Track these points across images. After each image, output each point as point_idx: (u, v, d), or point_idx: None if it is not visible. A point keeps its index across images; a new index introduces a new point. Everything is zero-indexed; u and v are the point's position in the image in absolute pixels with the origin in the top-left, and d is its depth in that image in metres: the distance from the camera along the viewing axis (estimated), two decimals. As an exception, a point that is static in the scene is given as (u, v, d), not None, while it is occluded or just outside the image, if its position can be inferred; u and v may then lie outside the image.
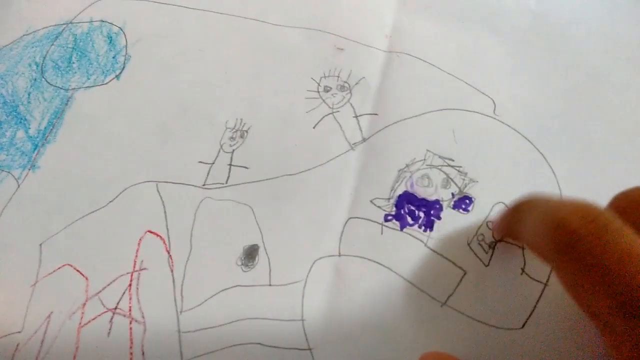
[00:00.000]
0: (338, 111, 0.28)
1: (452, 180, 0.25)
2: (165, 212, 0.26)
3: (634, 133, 0.25)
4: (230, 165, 0.27)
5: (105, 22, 0.34)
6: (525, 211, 0.19)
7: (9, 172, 0.30)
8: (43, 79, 0.33)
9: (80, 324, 0.24)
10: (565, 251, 0.15)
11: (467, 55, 0.28)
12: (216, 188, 0.26)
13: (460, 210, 0.24)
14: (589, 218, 0.14)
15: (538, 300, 0.22)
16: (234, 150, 0.27)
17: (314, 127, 0.27)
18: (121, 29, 0.34)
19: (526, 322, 0.21)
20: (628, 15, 0.29)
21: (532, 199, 0.19)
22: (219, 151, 0.27)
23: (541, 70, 0.27)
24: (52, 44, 0.34)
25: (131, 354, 0.23)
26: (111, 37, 0.34)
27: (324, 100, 0.28)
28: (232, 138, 0.28)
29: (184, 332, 0.23)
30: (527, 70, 0.28)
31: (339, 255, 0.24)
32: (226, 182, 0.27)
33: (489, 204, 0.24)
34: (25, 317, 0.25)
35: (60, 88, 0.32)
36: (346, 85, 0.29)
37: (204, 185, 0.27)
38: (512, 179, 0.24)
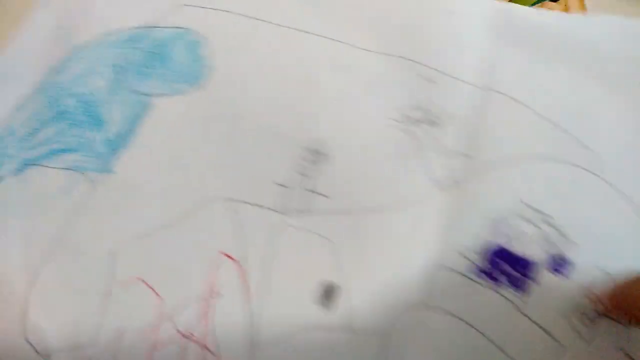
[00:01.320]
0: (426, 147, 0.26)
1: (550, 239, 0.23)
2: (242, 235, 0.25)
3: None
4: (309, 191, 0.26)
5: (189, 29, 0.33)
6: None
7: (85, 174, 0.30)
8: (124, 83, 0.32)
9: (153, 346, 0.24)
10: None
11: (571, 101, 0.26)
12: (295, 215, 0.25)
13: (558, 274, 0.22)
14: None
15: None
16: (313, 175, 0.26)
17: (400, 161, 0.26)
18: (205, 38, 0.33)
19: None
20: None
21: None
22: (298, 174, 0.26)
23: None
24: (134, 47, 0.34)
25: (203, 385, 0.22)
26: (194, 46, 0.33)
27: (410, 133, 0.27)
28: (312, 161, 0.27)
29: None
30: (636, 123, 0.25)
31: (426, 308, 0.22)
32: (305, 210, 0.25)
33: (591, 270, 0.22)
34: (98, 329, 0.25)
35: (141, 93, 0.32)
36: (436, 119, 0.27)
37: (281, 210, 0.26)
38: (615, 245, 0.23)
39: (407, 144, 0.27)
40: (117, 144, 0.30)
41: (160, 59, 0.33)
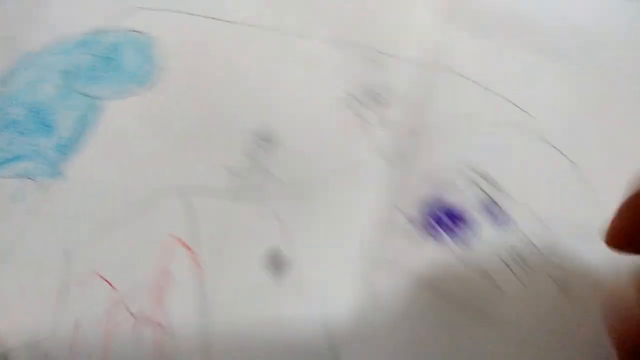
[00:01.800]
0: (372, 125, 0.27)
1: (487, 195, 0.24)
2: (193, 222, 0.26)
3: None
4: (259, 173, 0.26)
5: (139, 32, 0.34)
6: None
7: (36, 180, 0.30)
8: (73, 88, 0.33)
9: (108, 331, 0.24)
10: None
11: (512, 74, 0.28)
12: (244, 197, 0.26)
13: (495, 225, 0.23)
14: None
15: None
16: (260, 157, 0.27)
17: (347, 138, 0.27)
18: (154, 40, 0.33)
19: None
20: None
21: None
22: (246, 159, 0.27)
23: (585, 87, 0.26)
24: (83, 53, 0.34)
25: (158, 363, 0.22)
26: (142, 48, 0.33)
27: (355, 112, 0.27)
28: (259, 145, 0.27)
29: (211, 339, 0.22)
30: (569, 87, 0.27)
31: (372, 269, 0.23)
32: (254, 190, 0.26)
33: (526, 221, 0.23)
34: (53, 324, 0.25)
35: (91, 97, 0.32)
36: (379, 98, 0.28)
37: (231, 193, 0.26)
38: (551, 196, 0.24)
39: (355, 124, 0.27)
40: (68, 148, 0.30)
41: (111, 63, 0.33)
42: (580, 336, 0.20)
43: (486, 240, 0.23)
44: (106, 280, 0.25)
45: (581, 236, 0.22)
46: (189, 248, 0.25)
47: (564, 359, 0.20)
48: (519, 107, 0.26)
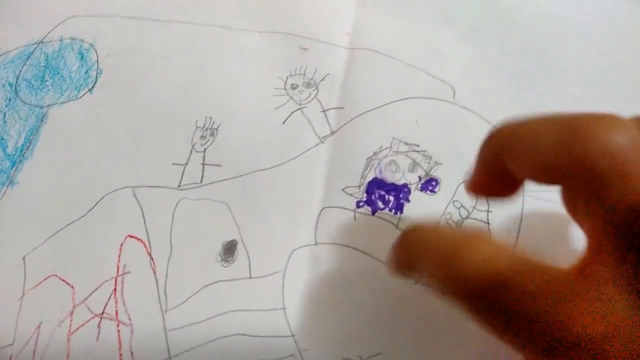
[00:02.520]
0: (306, 107, 0.28)
1: (418, 164, 0.25)
2: (143, 215, 0.26)
3: (584, 108, 0.26)
4: (204, 164, 0.27)
5: (76, 39, 0.34)
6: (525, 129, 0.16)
7: (-9, 191, 0.30)
8: (17, 98, 0.33)
9: (69, 331, 0.24)
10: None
11: (425, 47, 0.29)
12: (191, 188, 0.27)
13: (428, 192, 0.24)
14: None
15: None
16: (205, 149, 0.28)
17: (283, 123, 0.28)
18: (92, 45, 0.34)
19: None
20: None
21: (518, 122, 0.16)
22: (192, 151, 0.28)
23: (494, 55, 0.28)
24: (25, 64, 0.34)
25: (120, 355, 0.23)
26: (82, 54, 0.34)
27: (291, 97, 0.28)
28: (202, 137, 0.28)
29: (170, 329, 0.23)
30: (482, 56, 0.28)
31: (316, 244, 0.24)
32: (201, 182, 0.27)
33: (455, 184, 0.24)
34: (15, 329, 0.25)
35: (35, 106, 0.32)
36: (312, 82, 0.29)
37: (179, 186, 0.27)
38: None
39: (289, 107, 0.28)
40: (17, 157, 0.31)
41: (51, 71, 0.33)
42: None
43: (421, 207, 0.24)
44: (65, 282, 0.26)
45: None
46: (144, 244, 0.26)
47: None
48: (439, 79, 0.27)
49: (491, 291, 0.14)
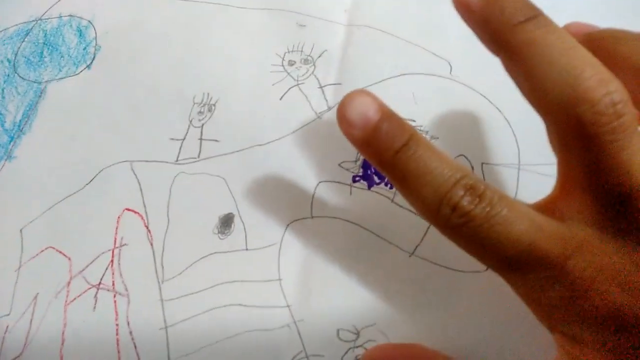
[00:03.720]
0: (303, 83, 0.28)
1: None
2: (141, 189, 0.26)
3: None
4: (201, 139, 0.27)
5: (74, 16, 0.34)
6: None
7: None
8: (16, 74, 0.33)
9: (66, 301, 0.24)
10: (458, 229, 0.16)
11: (423, 23, 0.29)
12: (189, 163, 0.26)
13: (424, 166, 0.24)
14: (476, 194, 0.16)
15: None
16: (203, 124, 0.27)
17: (280, 99, 0.27)
18: (90, 22, 0.33)
19: (490, 265, 0.22)
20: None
21: None
22: (189, 127, 0.27)
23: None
24: (23, 41, 0.34)
25: (117, 325, 0.23)
26: (80, 30, 0.33)
27: (289, 74, 0.28)
28: (200, 112, 0.28)
29: (167, 300, 0.23)
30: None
31: (312, 217, 0.24)
32: (198, 157, 0.26)
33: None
34: (12, 300, 0.25)
35: (33, 82, 0.32)
36: (309, 58, 0.29)
37: (177, 161, 0.27)
38: (471, 132, 0.25)
39: (287, 83, 0.28)
40: (15, 132, 0.30)
41: (49, 48, 0.33)
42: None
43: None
44: (62, 254, 0.26)
45: (497, 160, 0.24)
46: (141, 217, 0.25)
47: (486, 276, 0.21)
48: (436, 55, 0.27)
49: None
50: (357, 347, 0.21)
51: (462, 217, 0.15)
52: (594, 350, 0.15)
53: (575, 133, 0.15)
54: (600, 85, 0.15)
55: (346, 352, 0.21)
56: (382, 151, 0.17)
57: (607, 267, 0.15)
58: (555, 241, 0.15)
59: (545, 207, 0.17)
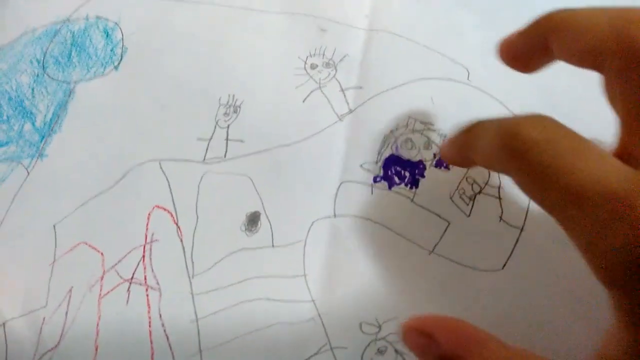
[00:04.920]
0: (325, 86, 0.29)
1: (432, 142, 0.26)
2: (170, 187, 0.27)
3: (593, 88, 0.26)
4: (227, 140, 0.28)
5: (101, 18, 0.35)
6: (478, 131, 0.19)
7: (19, 162, 0.31)
8: (45, 75, 0.33)
9: (100, 295, 0.25)
10: (521, 156, 0.16)
11: (442, 29, 0.29)
12: (216, 162, 0.27)
13: (442, 168, 0.25)
14: (543, 125, 0.16)
15: (515, 244, 0.23)
16: (229, 125, 0.28)
17: (303, 102, 0.28)
18: (116, 24, 0.34)
19: (506, 263, 0.23)
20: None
21: (483, 121, 0.19)
22: (215, 127, 0.28)
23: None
24: (51, 41, 0.35)
25: (149, 317, 0.24)
26: (107, 32, 0.34)
27: (311, 77, 0.29)
28: (226, 114, 0.29)
29: (197, 294, 0.24)
30: (496, 39, 0.28)
31: (335, 216, 0.25)
32: (224, 156, 0.27)
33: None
34: (48, 293, 0.26)
35: (62, 82, 0.33)
36: (331, 62, 0.29)
37: (204, 160, 0.27)
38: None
39: (309, 86, 0.29)
40: (46, 131, 0.31)
41: (77, 49, 0.34)
42: (517, 252, 0.23)
43: (434, 181, 0.25)
44: (95, 249, 0.27)
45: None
46: (170, 214, 0.26)
47: (503, 275, 0.22)
48: (455, 61, 0.28)
49: None
50: (379, 339, 0.22)
51: (525, 144, 0.15)
52: None
53: None
54: None
55: (368, 344, 0.22)
56: None
57: None
58: (623, 178, 0.14)
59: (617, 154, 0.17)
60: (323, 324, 0.23)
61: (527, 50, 0.21)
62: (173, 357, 0.23)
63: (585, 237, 0.15)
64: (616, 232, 0.13)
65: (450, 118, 0.26)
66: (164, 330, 0.24)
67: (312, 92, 0.29)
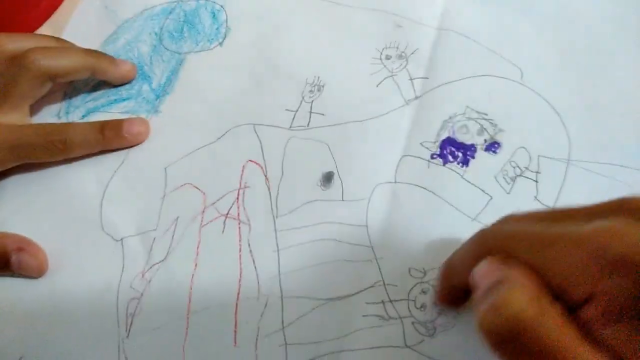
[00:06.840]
0: (396, 75, 0.33)
1: (485, 129, 0.30)
2: (261, 146, 0.33)
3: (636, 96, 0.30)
4: (311, 112, 0.33)
5: (209, 0, 0.41)
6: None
7: (138, 116, 0.37)
8: (161, 45, 0.40)
9: (201, 224, 0.31)
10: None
11: (504, 33, 0.34)
12: (300, 130, 0.33)
13: (490, 152, 0.29)
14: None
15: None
16: (312, 101, 0.34)
17: (377, 86, 0.33)
18: (222, 7, 0.40)
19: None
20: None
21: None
22: (302, 101, 0.34)
23: (562, 45, 0.32)
24: (167, 18, 0.41)
25: (240, 245, 0.30)
26: (214, 13, 0.40)
27: (385, 66, 0.34)
28: (311, 91, 0.34)
29: (279, 230, 0.30)
30: (551, 45, 0.32)
31: (395, 182, 0.30)
32: (307, 125, 0.33)
33: (513, 148, 0.29)
34: (158, 219, 0.32)
35: (175, 52, 0.39)
36: (403, 54, 0.34)
37: (290, 127, 0.33)
38: (532, 129, 0.30)
39: (383, 74, 0.34)
40: (160, 92, 0.38)
41: (188, 25, 0.40)
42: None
43: (482, 162, 0.29)
44: (198, 189, 0.33)
45: (552, 155, 0.29)
46: (261, 167, 0.32)
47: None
48: (511, 62, 0.32)
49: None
50: (423, 282, 0.27)
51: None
52: None
53: None
54: None
55: (415, 285, 0.27)
56: None
57: None
58: None
59: None
60: (379, 266, 0.28)
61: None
62: (257, 277, 0.29)
63: None
64: None
65: (503, 110, 0.31)
66: (252, 257, 0.29)
67: (385, 79, 0.34)
